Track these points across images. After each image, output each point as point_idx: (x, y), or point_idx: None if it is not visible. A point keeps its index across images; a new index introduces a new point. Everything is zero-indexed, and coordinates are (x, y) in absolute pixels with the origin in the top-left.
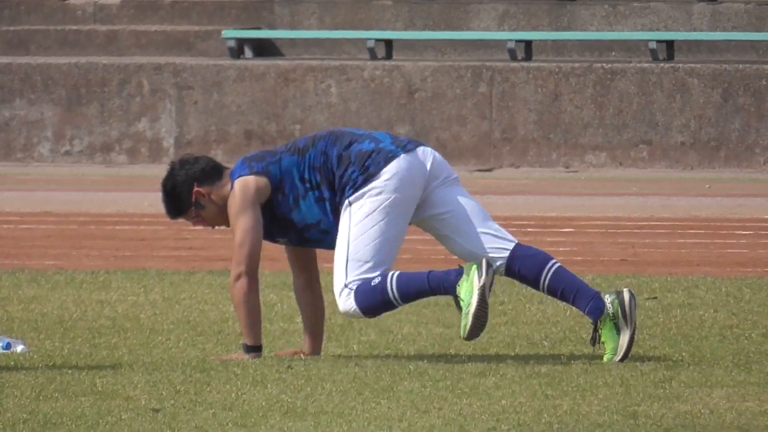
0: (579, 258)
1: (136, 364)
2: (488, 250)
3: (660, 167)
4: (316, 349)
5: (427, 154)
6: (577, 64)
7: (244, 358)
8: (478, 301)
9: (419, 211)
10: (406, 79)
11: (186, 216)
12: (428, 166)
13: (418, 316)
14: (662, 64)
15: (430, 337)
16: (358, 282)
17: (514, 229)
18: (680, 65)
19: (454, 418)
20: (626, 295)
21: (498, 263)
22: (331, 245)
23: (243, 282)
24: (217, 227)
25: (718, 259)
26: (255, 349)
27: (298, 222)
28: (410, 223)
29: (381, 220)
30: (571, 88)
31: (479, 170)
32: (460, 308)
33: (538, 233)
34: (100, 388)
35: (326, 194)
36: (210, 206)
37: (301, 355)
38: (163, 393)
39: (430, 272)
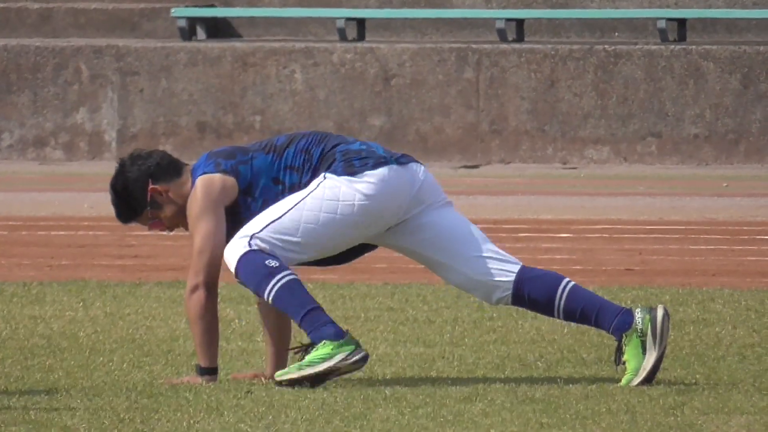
0: (578, 267)
1: (74, 389)
2: (490, 274)
3: (671, 163)
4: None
5: (419, 173)
6: (575, 46)
7: (197, 382)
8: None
9: (407, 238)
10: (381, 63)
11: (140, 218)
12: (417, 187)
13: (395, 334)
14: (673, 46)
15: (408, 358)
16: (266, 245)
17: (505, 234)
18: (693, 47)
19: None
20: (660, 313)
21: (504, 294)
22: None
23: (200, 294)
24: (176, 230)
25: (737, 268)
26: (210, 371)
27: None
28: (399, 252)
29: (337, 213)
30: (569, 74)
31: (465, 167)
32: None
33: (532, 239)
34: (33, 417)
35: None
36: (168, 206)
37: (262, 379)
38: (105, 422)
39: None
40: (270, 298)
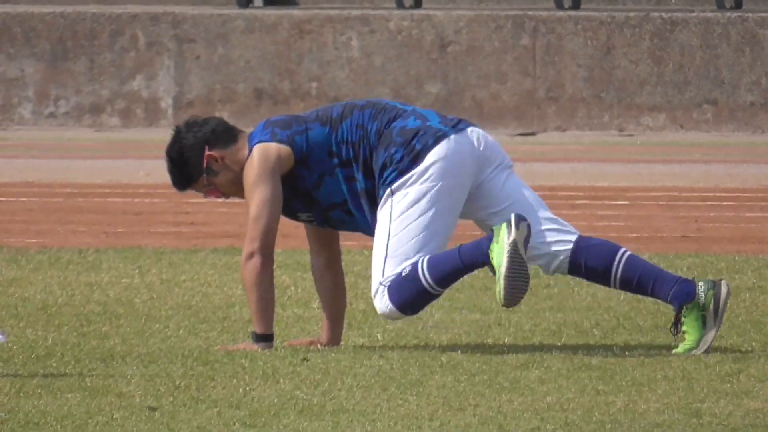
0: (634, 234)
1: (129, 356)
2: (549, 243)
3: (726, 130)
4: (335, 339)
5: (479, 136)
6: (632, 14)
7: (253, 349)
8: (509, 260)
9: (471, 204)
10: (438, 30)
11: (196, 186)
12: (481, 149)
13: (450, 301)
14: (729, 13)
15: (464, 325)
16: (392, 277)
17: (561, 201)
18: (750, 14)
19: (493, 416)
20: (723, 290)
21: (562, 262)
22: (355, 228)
23: (256, 261)
24: (231, 198)
25: None
26: (266, 338)
27: (322, 200)
28: (461, 216)
29: (426, 211)
30: (625, 41)
31: (521, 134)
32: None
33: (588, 206)
34: (89, 384)
35: (357, 175)
36: (224, 173)
37: (318, 346)
38: (161, 389)
39: (460, 247)
40: (435, 285)
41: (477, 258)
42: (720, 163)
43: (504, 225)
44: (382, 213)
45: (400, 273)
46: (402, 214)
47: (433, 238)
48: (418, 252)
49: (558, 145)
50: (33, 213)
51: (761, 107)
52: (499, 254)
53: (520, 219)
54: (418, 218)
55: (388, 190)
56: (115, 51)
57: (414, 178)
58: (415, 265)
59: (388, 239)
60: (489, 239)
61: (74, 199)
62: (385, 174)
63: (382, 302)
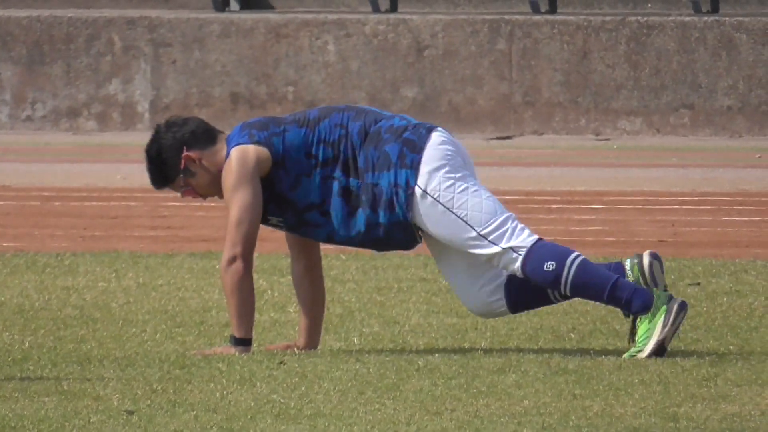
0: (611, 238)
1: (106, 360)
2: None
3: (703, 135)
4: (312, 343)
5: (449, 137)
6: (608, 18)
7: (230, 353)
8: (652, 351)
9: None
10: (414, 34)
11: (173, 185)
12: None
13: (428, 305)
14: (706, 17)
15: (441, 329)
16: (524, 248)
17: (537, 206)
18: (726, 18)
19: (470, 420)
20: (645, 259)
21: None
22: (326, 234)
23: (238, 266)
24: (208, 199)
25: None
26: (244, 342)
27: (297, 201)
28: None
29: (467, 185)
30: (601, 45)
31: (497, 138)
32: (632, 337)
33: (565, 210)
34: (65, 387)
35: (336, 173)
36: (201, 174)
37: (295, 350)
38: (138, 392)
39: (618, 278)
40: (569, 290)
41: (623, 305)
42: (697, 167)
43: (664, 309)
44: (433, 211)
45: (544, 257)
46: (453, 198)
47: (489, 198)
48: (495, 211)
49: (534, 149)
50: (9, 217)
51: (738, 111)
52: (646, 337)
53: (681, 309)
54: (468, 193)
55: (418, 190)
56: (91, 55)
57: (431, 169)
58: (563, 262)
59: (467, 222)
60: (645, 301)
61: (51, 203)
62: (392, 177)
63: (513, 264)
